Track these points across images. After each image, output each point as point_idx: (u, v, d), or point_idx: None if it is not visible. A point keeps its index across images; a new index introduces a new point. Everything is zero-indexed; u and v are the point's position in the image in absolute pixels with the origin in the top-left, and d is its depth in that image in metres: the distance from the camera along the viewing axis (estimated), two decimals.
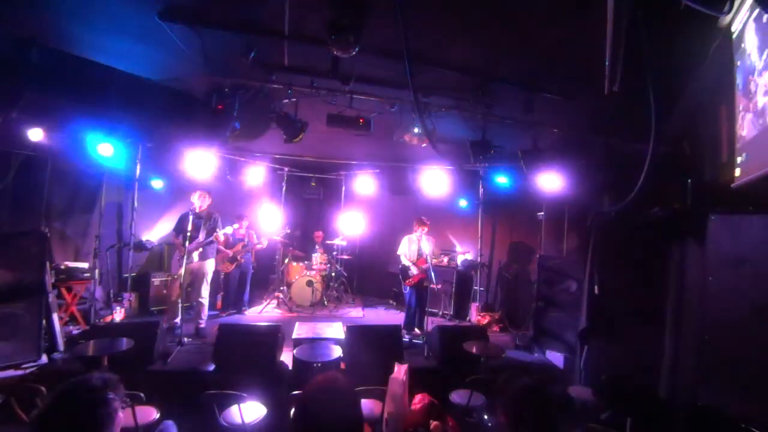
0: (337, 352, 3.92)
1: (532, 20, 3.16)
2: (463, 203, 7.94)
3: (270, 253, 8.05)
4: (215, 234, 5.45)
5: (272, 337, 4.41)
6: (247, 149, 7.27)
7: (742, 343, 2.56)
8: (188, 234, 5.13)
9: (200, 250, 5.41)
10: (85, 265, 5.63)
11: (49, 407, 1.30)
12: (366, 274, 9.01)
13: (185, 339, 5.00)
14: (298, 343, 4.47)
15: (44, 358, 4.23)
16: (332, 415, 1.37)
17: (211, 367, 4.22)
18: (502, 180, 6.48)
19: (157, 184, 6.71)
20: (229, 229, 5.66)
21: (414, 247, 5.90)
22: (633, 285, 4.17)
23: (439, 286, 5.65)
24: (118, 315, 5.73)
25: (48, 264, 4.72)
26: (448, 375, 4.18)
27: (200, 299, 5.44)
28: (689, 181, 3.08)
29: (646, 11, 1.54)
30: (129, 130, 5.26)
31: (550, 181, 5.52)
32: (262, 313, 6.93)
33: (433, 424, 2.72)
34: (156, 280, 6.48)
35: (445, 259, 5.95)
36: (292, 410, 1.48)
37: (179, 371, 4.27)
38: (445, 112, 4.89)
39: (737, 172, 2.21)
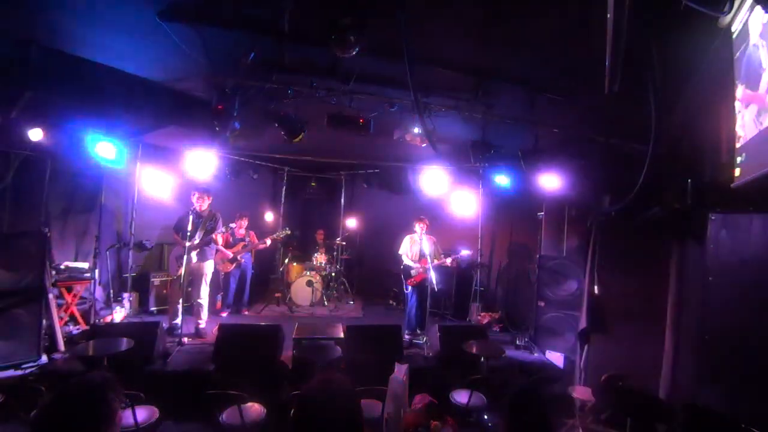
0: (337, 352, 3.92)
1: (532, 19, 3.16)
2: (463, 203, 7.94)
3: (270, 253, 8.05)
4: (213, 236, 5.44)
5: (272, 337, 4.41)
6: (247, 149, 7.27)
7: (742, 343, 2.56)
8: (188, 233, 5.14)
9: (197, 250, 5.40)
10: (85, 265, 5.63)
11: (49, 407, 1.30)
12: (366, 274, 9.01)
13: (185, 339, 5.00)
14: (298, 343, 4.48)
15: (44, 358, 4.23)
16: (332, 415, 1.37)
17: (211, 367, 4.23)
18: (502, 180, 6.47)
19: (157, 183, 6.69)
20: (225, 228, 5.63)
21: (416, 248, 5.89)
22: (633, 285, 4.18)
23: (440, 286, 5.65)
24: (118, 315, 5.72)
25: (48, 264, 4.73)
26: (448, 375, 4.18)
27: (199, 300, 5.43)
28: (689, 181, 3.08)
29: (646, 11, 1.54)
30: (129, 130, 5.27)
31: (550, 181, 5.52)
32: (262, 313, 6.93)
33: (433, 424, 2.72)
34: (156, 280, 6.47)
35: (448, 260, 5.97)
36: (292, 410, 1.48)
37: (179, 371, 4.27)
38: (445, 112, 4.88)
39: (737, 172, 2.21)
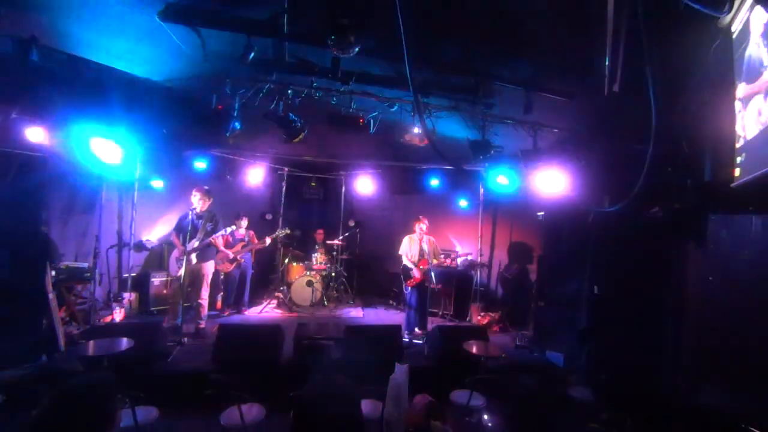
0: (337, 352, 3.93)
1: (532, 19, 3.16)
2: (463, 203, 7.96)
3: (270, 253, 8.04)
4: (213, 237, 5.43)
5: (272, 337, 4.41)
6: (247, 149, 7.27)
7: (742, 342, 2.57)
8: (188, 234, 5.13)
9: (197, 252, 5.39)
10: (85, 265, 5.63)
11: (49, 407, 1.30)
12: (366, 274, 9.00)
13: (185, 339, 5.00)
14: (298, 343, 4.47)
15: (44, 358, 4.23)
16: (332, 415, 1.36)
17: (211, 367, 4.23)
18: (502, 180, 6.48)
19: (157, 184, 6.70)
20: (226, 230, 5.63)
21: (415, 248, 5.89)
22: (633, 285, 4.17)
23: (440, 287, 5.65)
24: (118, 315, 5.72)
25: (48, 264, 4.73)
26: (448, 375, 4.17)
27: (200, 300, 5.43)
28: (689, 181, 3.09)
29: (645, 11, 1.54)
30: (129, 130, 5.27)
31: (550, 181, 5.52)
32: (262, 313, 6.93)
33: (433, 424, 2.72)
34: (156, 280, 6.46)
35: (447, 260, 5.99)
36: (292, 411, 1.48)
37: (179, 371, 4.27)
38: (445, 112, 4.89)
39: (737, 172, 2.21)
